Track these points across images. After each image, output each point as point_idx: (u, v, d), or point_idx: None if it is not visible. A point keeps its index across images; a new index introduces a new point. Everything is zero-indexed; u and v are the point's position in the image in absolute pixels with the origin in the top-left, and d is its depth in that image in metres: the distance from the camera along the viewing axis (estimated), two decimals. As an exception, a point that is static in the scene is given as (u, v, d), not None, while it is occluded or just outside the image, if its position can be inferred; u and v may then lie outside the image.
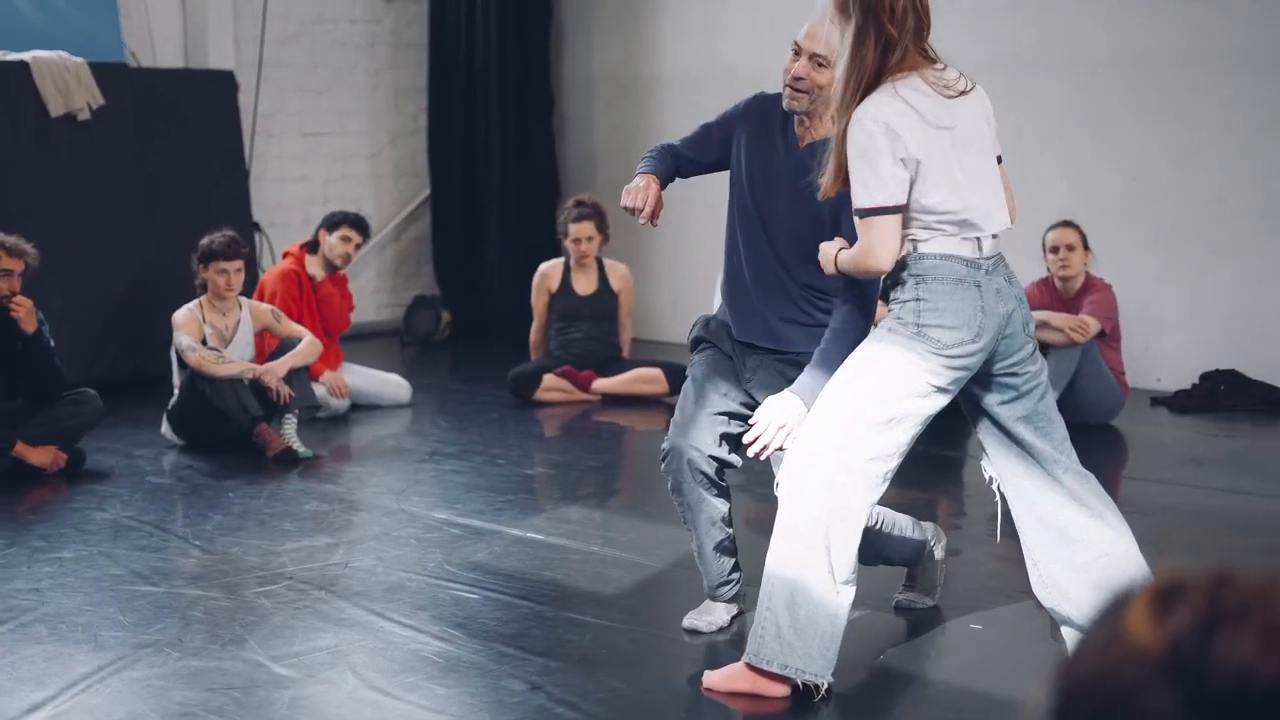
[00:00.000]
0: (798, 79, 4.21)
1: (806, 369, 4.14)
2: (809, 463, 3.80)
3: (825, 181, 3.83)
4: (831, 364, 4.02)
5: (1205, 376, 8.34)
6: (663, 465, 4.48)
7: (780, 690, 3.93)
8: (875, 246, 3.73)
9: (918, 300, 3.75)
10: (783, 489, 3.89)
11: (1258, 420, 7.79)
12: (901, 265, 3.79)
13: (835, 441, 3.78)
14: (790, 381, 4.20)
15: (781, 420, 4.05)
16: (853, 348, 3.97)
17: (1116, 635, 1.19)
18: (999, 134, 3.95)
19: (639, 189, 4.27)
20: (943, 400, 3.81)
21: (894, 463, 3.84)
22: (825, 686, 3.91)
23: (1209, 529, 5.63)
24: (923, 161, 3.70)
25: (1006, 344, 3.84)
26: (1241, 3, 8.19)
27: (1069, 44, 8.77)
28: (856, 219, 3.77)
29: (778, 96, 4.35)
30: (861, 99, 3.71)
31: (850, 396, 3.78)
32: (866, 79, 3.71)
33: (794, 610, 3.85)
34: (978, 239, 3.78)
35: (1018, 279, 3.93)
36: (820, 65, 4.18)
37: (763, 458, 4.15)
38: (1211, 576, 1.20)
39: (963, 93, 3.79)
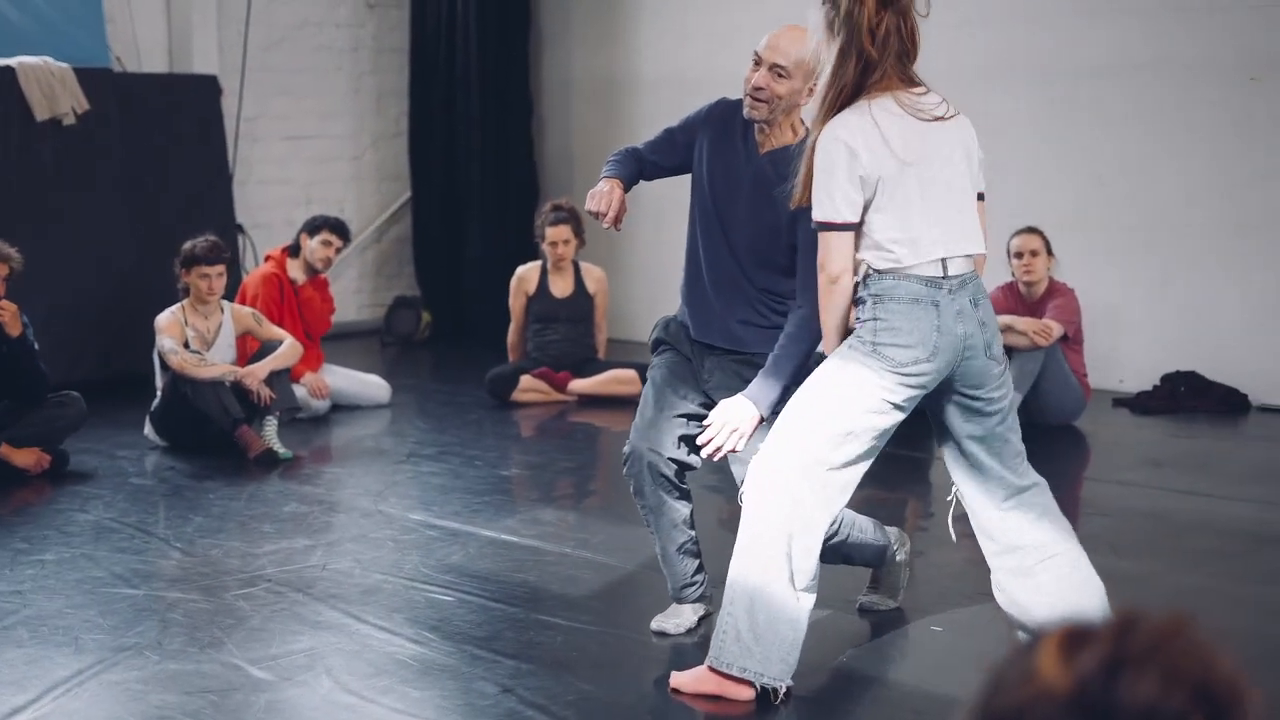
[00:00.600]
0: (758, 89, 4.25)
1: (760, 374, 4.20)
2: (774, 474, 3.85)
3: (797, 190, 3.89)
4: (784, 369, 4.12)
5: (1166, 378, 8.40)
6: (624, 469, 4.52)
7: (746, 694, 3.97)
8: (828, 259, 3.83)
9: (874, 320, 3.81)
10: (747, 499, 3.94)
11: (1216, 421, 7.85)
12: (862, 284, 3.85)
13: (799, 455, 3.82)
14: (747, 382, 4.26)
15: (735, 423, 4.11)
16: (807, 354, 4.07)
17: (1029, 673, 1.24)
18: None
19: (603, 193, 4.30)
20: (899, 416, 3.87)
21: (854, 474, 3.90)
22: (783, 690, 3.95)
23: (1166, 531, 5.68)
24: (882, 180, 3.76)
25: (968, 365, 3.87)
26: (1204, 15, 8.24)
27: (1038, 54, 8.82)
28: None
29: (739, 102, 4.39)
30: (836, 114, 3.77)
31: (812, 411, 3.83)
32: (844, 96, 3.77)
33: (754, 615, 3.89)
34: (943, 260, 3.82)
35: (988, 302, 3.97)
36: (780, 76, 4.22)
37: (715, 459, 4.20)
38: (1119, 619, 1.25)
39: (939, 119, 3.83)
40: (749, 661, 3.92)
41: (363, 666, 4.26)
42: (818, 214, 3.82)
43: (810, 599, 3.93)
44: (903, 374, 3.79)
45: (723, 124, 4.44)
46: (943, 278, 3.83)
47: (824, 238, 3.83)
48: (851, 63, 3.75)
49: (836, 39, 3.77)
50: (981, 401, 3.93)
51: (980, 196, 3.99)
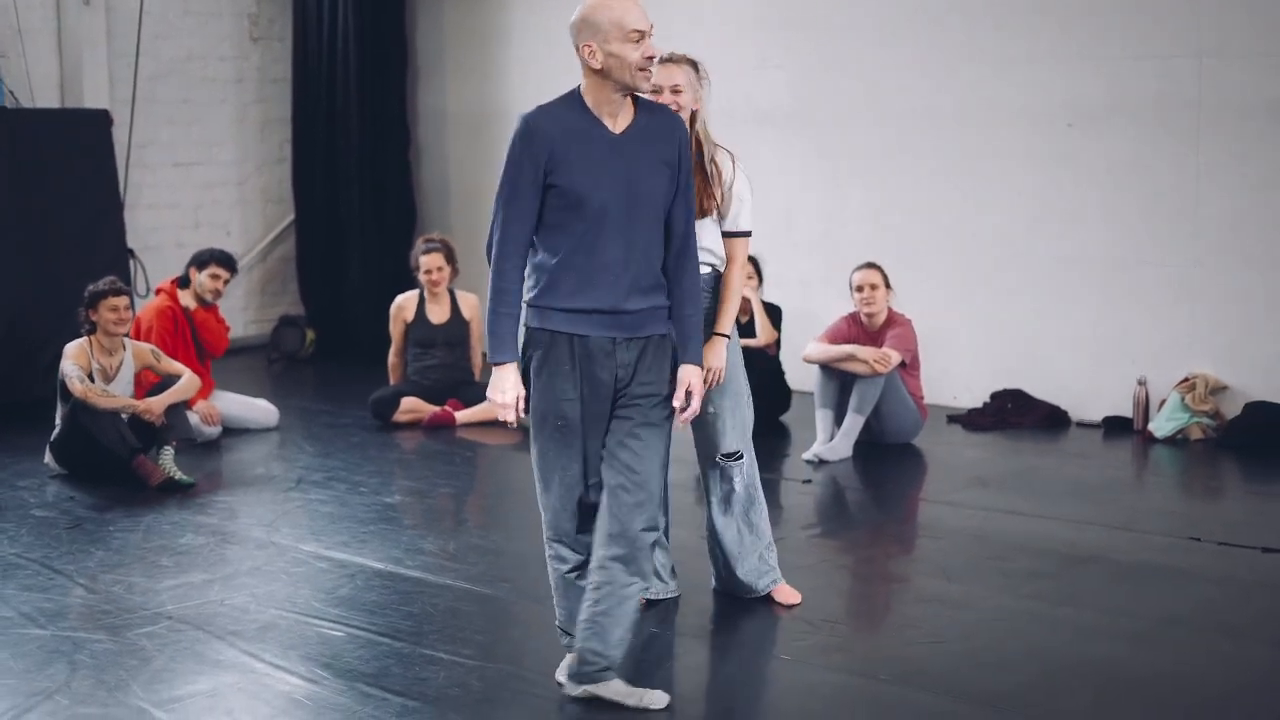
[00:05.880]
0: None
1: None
2: None
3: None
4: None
5: (996, 395, 8.74)
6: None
7: None
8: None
9: None
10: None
11: (1040, 437, 8.19)
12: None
13: None
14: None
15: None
16: None
17: None
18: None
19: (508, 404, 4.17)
20: None
21: None
22: None
23: (990, 552, 5.92)
24: None
25: None
26: (1027, 68, 8.56)
27: (879, 102, 9.08)
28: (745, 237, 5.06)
29: (560, 98, 4.54)
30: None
31: None
32: None
33: None
34: None
35: None
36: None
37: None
38: None
39: None
40: None
41: (261, 706, 4.37)
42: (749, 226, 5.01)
43: None
44: None
45: (560, 122, 4.41)
46: None
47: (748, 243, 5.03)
48: None
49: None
50: None
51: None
